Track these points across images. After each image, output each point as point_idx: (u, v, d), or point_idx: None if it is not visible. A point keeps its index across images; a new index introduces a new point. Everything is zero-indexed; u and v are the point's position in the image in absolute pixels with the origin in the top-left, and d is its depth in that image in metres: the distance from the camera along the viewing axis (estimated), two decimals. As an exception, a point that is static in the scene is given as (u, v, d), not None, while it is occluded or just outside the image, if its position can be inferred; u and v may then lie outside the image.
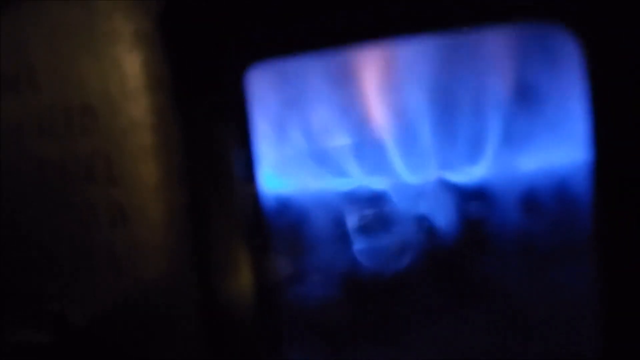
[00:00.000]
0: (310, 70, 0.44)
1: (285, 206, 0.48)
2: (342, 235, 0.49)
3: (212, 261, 0.47)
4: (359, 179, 0.49)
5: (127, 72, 0.44)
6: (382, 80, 0.45)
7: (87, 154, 0.45)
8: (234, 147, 0.45)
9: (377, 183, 0.49)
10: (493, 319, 0.45)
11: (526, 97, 0.45)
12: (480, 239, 0.46)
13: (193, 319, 0.47)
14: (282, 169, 0.48)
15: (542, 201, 0.45)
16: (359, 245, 0.49)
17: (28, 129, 0.46)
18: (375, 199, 0.49)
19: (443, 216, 0.48)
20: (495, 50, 0.44)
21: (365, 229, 0.49)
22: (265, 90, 0.45)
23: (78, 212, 0.46)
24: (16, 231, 0.46)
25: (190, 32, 0.43)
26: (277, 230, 0.48)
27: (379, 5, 0.41)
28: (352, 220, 0.49)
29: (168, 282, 0.46)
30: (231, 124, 0.45)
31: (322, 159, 0.48)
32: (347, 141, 0.48)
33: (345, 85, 0.45)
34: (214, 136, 0.45)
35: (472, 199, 0.47)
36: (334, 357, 0.48)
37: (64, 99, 0.45)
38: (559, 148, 0.45)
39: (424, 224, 0.48)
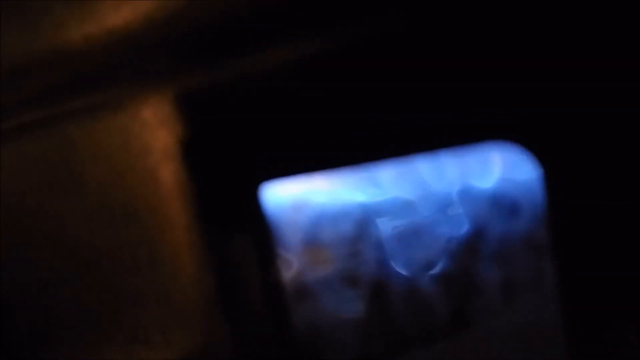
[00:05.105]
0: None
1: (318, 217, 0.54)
2: (374, 246, 0.54)
3: (242, 331, 0.53)
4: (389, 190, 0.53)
5: (160, 181, 0.50)
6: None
7: (131, 246, 0.52)
8: (255, 248, 0.51)
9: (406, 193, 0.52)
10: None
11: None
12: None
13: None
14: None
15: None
16: (393, 254, 0.53)
17: (79, 222, 0.53)
18: (406, 209, 0.53)
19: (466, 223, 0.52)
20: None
21: (398, 238, 0.53)
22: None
23: (128, 294, 0.53)
24: (74, 310, 0.54)
25: (210, 154, 0.48)
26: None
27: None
28: (385, 231, 0.53)
29: (205, 349, 0.53)
30: (250, 229, 0.50)
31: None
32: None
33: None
34: (235, 239, 0.50)
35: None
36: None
37: (108, 201, 0.51)
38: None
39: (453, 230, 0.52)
